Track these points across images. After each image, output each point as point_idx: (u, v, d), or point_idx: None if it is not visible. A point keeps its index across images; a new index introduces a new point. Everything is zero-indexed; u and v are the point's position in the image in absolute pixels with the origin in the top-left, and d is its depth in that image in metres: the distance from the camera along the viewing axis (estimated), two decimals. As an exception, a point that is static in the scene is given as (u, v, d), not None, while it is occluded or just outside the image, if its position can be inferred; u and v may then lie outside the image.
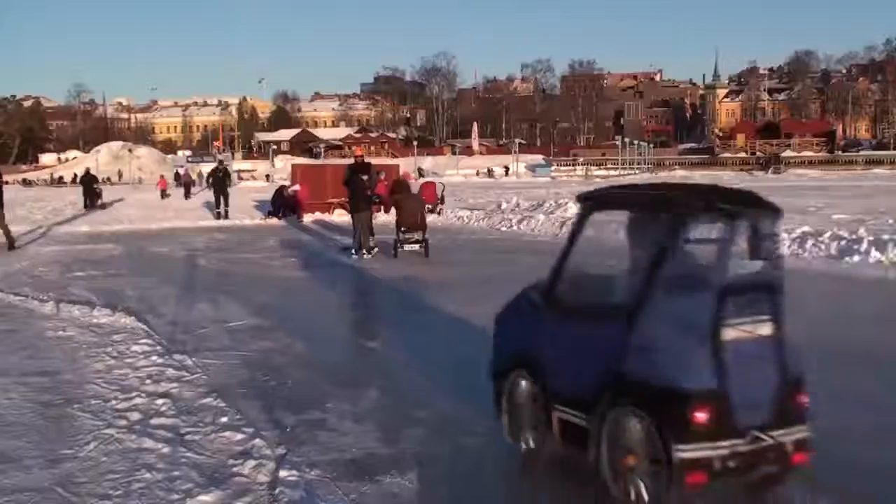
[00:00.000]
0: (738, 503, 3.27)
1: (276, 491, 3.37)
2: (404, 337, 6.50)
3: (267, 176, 63.34)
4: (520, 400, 3.69)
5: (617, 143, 69.78)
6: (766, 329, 3.20)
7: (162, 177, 40.53)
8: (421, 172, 55.72)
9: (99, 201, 27.59)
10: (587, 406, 3.21)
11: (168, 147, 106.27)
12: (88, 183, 28.08)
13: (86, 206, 26.34)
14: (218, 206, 21.42)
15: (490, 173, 66.41)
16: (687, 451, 2.88)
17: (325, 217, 20.19)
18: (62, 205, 28.62)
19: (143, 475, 3.54)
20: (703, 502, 3.16)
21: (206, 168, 48.65)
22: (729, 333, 3.02)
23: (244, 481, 3.49)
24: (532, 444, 3.63)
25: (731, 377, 2.95)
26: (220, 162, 23.98)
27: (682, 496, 2.96)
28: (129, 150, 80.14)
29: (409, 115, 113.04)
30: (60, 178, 74.28)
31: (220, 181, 21.63)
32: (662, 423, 2.92)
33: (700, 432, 2.90)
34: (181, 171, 47.36)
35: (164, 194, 34.72)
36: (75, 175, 71.59)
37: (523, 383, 3.66)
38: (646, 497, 3.00)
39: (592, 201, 3.65)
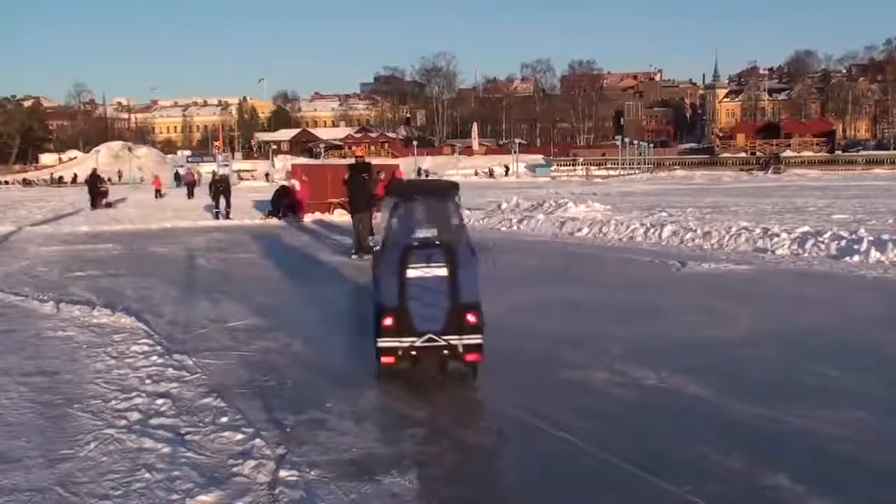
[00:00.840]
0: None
1: (276, 491, 3.37)
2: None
3: (266, 175, 63.43)
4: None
5: (617, 143, 69.79)
6: (441, 272, 4.83)
7: (156, 177, 40.68)
8: (425, 173, 55.81)
9: (104, 200, 27.67)
10: None
11: (168, 147, 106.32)
12: (93, 183, 28.17)
13: (92, 206, 26.38)
14: (217, 206, 21.43)
15: (490, 173, 66.43)
16: (382, 342, 4.81)
17: (325, 217, 20.21)
18: (62, 205, 28.63)
19: (143, 475, 3.54)
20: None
21: (206, 168, 48.75)
22: (411, 273, 4.79)
23: (244, 481, 3.49)
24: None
25: (411, 300, 4.77)
26: (217, 174, 23.89)
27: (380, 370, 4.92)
28: (129, 150, 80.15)
29: (409, 115, 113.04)
30: (60, 177, 74.32)
31: (221, 191, 21.63)
32: (375, 326, 4.85)
33: (388, 331, 4.79)
34: (181, 172, 47.44)
35: (158, 194, 34.87)
36: (75, 175, 71.75)
37: None
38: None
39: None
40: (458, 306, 4.78)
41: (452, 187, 5.49)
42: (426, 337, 4.77)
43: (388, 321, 4.80)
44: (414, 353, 4.81)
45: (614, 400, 4.67)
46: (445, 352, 4.80)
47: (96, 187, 27.77)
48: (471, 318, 4.78)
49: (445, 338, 4.77)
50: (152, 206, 27.77)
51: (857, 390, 4.71)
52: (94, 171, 30.57)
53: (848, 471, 3.55)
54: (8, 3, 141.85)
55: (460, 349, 4.78)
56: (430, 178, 39.72)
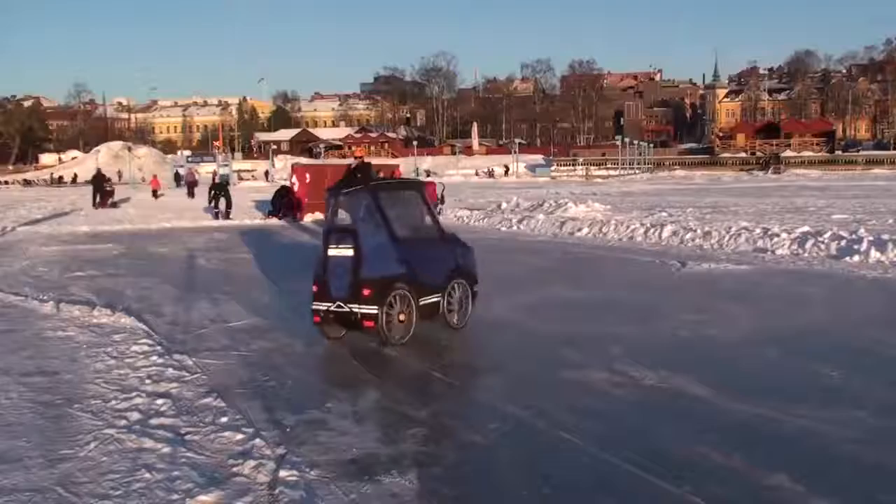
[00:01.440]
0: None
1: (276, 491, 3.37)
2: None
3: (266, 173, 63.60)
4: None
5: (617, 143, 69.76)
6: (349, 252, 5.96)
7: (155, 176, 40.77)
8: (428, 172, 55.81)
9: (110, 200, 27.94)
10: None
11: (168, 147, 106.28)
12: (99, 182, 28.36)
13: (94, 205, 26.64)
14: (216, 206, 21.44)
15: (490, 173, 66.42)
16: (313, 306, 6.12)
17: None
18: (62, 205, 28.63)
19: (143, 475, 3.54)
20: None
21: (206, 168, 48.78)
22: (331, 252, 6.09)
23: (244, 481, 3.49)
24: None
25: (329, 273, 6.04)
26: (218, 176, 23.93)
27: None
28: (129, 150, 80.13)
29: (409, 115, 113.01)
30: (61, 177, 74.41)
31: (220, 194, 21.69)
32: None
33: (315, 296, 6.08)
34: (182, 172, 47.48)
35: (155, 194, 34.94)
36: (75, 175, 71.95)
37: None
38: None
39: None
40: (358, 281, 5.86)
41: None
42: (336, 304, 5.96)
43: (314, 288, 6.12)
44: (331, 315, 6.03)
45: (614, 400, 4.67)
46: (352, 316, 5.91)
47: (102, 187, 28.06)
48: (366, 291, 5.83)
49: (349, 305, 5.90)
50: (152, 207, 27.77)
51: (857, 390, 4.70)
52: (99, 171, 30.76)
53: (848, 471, 3.55)
54: (8, 3, 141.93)
55: (359, 316, 5.87)
56: (429, 178, 39.66)
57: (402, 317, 6.00)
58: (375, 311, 5.79)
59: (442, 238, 6.73)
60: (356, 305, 5.85)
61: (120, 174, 71.94)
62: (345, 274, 5.93)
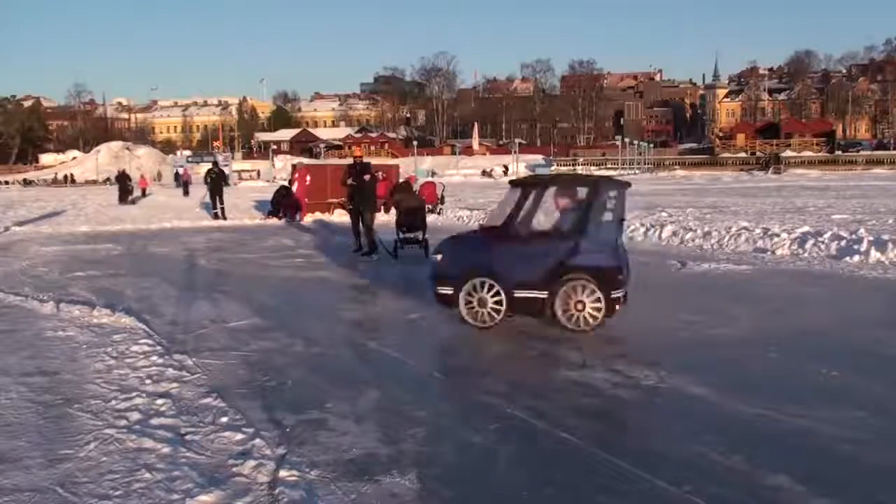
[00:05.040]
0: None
1: (276, 491, 3.37)
2: (404, 337, 6.50)
3: (258, 172, 64.09)
4: (481, 293, 6.44)
5: (617, 143, 69.77)
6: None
7: (143, 177, 43.16)
8: (432, 173, 55.85)
9: (130, 197, 31.11)
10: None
11: (168, 147, 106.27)
12: (123, 181, 31.65)
13: (120, 202, 29.74)
14: (215, 206, 21.39)
15: (490, 174, 66.40)
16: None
17: (325, 217, 20.20)
18: (62, 205, 28.63)
19: (143, 475, 3.54)
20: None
21: (206, 168, 49.05)
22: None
23: (244, 481, 3.49)
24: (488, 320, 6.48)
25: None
26: (215, 164, 23.89)
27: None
28: (129, 150, 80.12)
29: (409, 115, 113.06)
30: (66, 176, 74.61)
31: (216, 182, 21.51)
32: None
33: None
34: (181, 171, 48.09)
35: (144, 192, 37.17)
36: (72, 175, 72.33)
37: (485, 282, 6.44)
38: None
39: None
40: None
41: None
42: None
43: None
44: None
45: (614, 400, 4.67)
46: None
47: (125, 185, 31.30)
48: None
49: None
50: (152, 206, 27.79)
51: (857, 390, 4.71)
52: (123, 171, 33.94)
53: (848, 471, 3.55)
54: (8, 2, 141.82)
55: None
56: (430, 178, 39.68)
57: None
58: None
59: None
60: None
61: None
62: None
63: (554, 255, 6.28)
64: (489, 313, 6.46)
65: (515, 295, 6.38)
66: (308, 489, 3.39)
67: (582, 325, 6.23)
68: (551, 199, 6.56)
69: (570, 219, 6.42)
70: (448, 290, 6.62)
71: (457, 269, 6.61)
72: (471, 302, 6.51)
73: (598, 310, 6.21)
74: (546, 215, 6.51)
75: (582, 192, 6.47)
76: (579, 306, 6.22)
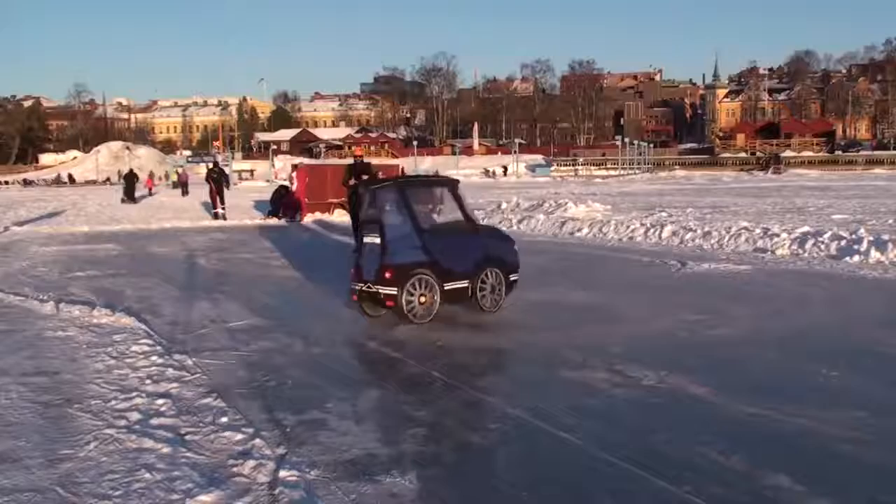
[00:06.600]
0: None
1: (276, 491, 3.37)
2: (404, 337, 6.50)
3: (252, 172, 64.30)
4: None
5: (617, 143, 69.77)
6: (377, 240, 6.87)
7: (150, 177, 43.85)
8: (436, 173, 55.89)
9: (137, 195, 32.14)
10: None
11: (168, 147, 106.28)
12: (130, 179, 32.65)
13: (128, 200, 30.67)
14: (215, 206, 21.36)
15: (490, 174, 66.37)
16: (351, 286, 7.17)
17: (325, 217, 20.19)
18: (62, 205, 28.63)
19: (143, 475, 3.53)
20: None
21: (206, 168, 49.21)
22: (366, 240, 7.07)
23: (244, 481, 3.49)
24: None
25: (363, 258, 7.01)
26: (216, 164, 23.87)
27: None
28: (129, 150, 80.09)
29: (409, 115, 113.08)
30: (70, 176, 74.72)
31: (217, 182, 21.48)
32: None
33: (353, 277, 7.08)
34: (180, 171, 48.29)
35: (150, 192, 38.02)
36: (71, 175, 72.46)
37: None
38: None
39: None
40: (383, 265, 6.75)
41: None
42: (366, 284, 6.90)
43: (352, 271, 7.11)
44: (364, 294, 6.97)
45: (614, 400, 4.67)
46: (380, 295, 6.78)
47: (132, 184, 32.20)
48: (388, 275, 6.70)
49: (375, 287, 6.81)
50: (152, 206, 27.80)
51: (857, 390, 4.70)
52: (131, 170, 34.68)
53: (848, 471, 3.55)
54: (8, 2, 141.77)
55: (383, 296, 6.76)
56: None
57: (422, 299, 6.77)
58: (395, 292, 6.65)
59: (474, 229, 7.53)
60: (380, 287, 6.75)
61: (120, 174, 72.25)
62: (374, 259, 6.84)
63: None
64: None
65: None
66: (308, 489, 3.39)
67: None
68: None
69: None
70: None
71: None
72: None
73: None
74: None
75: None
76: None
